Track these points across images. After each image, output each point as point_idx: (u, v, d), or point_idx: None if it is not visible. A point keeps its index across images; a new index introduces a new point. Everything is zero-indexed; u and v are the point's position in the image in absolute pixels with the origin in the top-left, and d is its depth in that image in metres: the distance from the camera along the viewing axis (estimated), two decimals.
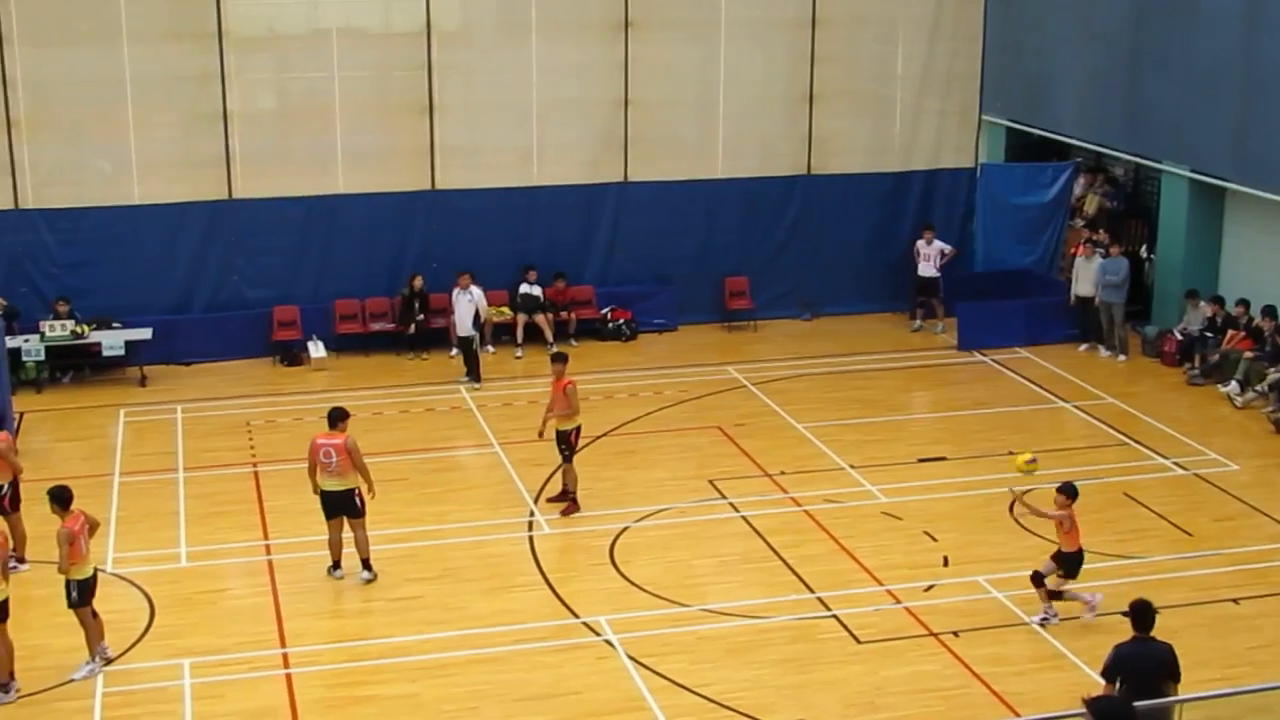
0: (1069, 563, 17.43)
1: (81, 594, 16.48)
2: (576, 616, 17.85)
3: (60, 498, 16.76)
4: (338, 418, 18.82)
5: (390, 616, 17.99)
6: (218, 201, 28.30)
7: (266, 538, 20.28)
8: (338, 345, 28.52)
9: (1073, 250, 29.38)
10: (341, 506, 18.67)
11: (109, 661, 16.71)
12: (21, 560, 18.94)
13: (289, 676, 16.45)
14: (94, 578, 16.69)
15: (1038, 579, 17.49)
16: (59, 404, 25.40)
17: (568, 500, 20.89)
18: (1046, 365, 27.52)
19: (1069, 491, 17.39)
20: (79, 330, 26.74)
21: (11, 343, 24.93)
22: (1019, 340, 28.69)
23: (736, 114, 30.20)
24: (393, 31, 29.20)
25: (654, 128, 29.81)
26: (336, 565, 18.96)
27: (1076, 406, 25.39)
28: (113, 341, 26.99)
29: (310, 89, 29.11)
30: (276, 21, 29.06)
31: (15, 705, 15.87)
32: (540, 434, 21.26)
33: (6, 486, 19.16)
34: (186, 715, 15.73)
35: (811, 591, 18.46)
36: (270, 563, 19.47)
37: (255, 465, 22.95)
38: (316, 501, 19.64)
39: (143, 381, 27.04)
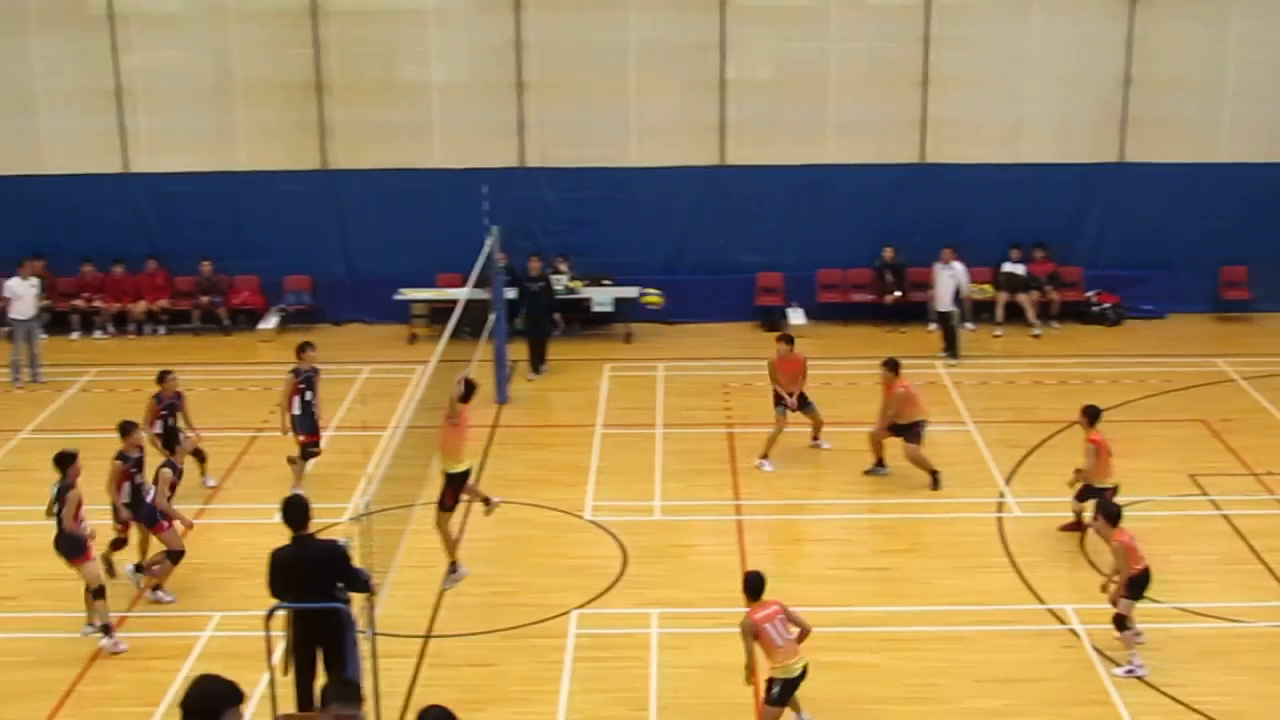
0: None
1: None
2: (1042, 603, 17.52)
3: None
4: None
5: (858, 586, 18.09)
6: (711, 167, 28.97)
7: (737, 498, 20.69)
8: (818, 313, 28.82)
9: None
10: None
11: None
12: None
13: None
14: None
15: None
16: (550, 355, 26.48)
17: None
18: None
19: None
20: (572, 286, 27.90)
21: (509, 294, 26.11)
22: None
23: (1244, 96, 28.82)
24: (892, 3, 29.15)
25: (1156, 108, 28.77)
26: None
27: None
28: (603, 298, 28.09)
29: (806, 59, 29.27)
30: None
31: (497, 636, 16.71)
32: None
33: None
34: (653, 663, 16.23)
35: None
36: (740, 523, 19.86)
37: (730, 426, 23.42)
38: (789, 465, 19.95)
39: (628, 338, 28.04)
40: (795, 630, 14.45)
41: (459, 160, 28.87)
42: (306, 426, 20.63)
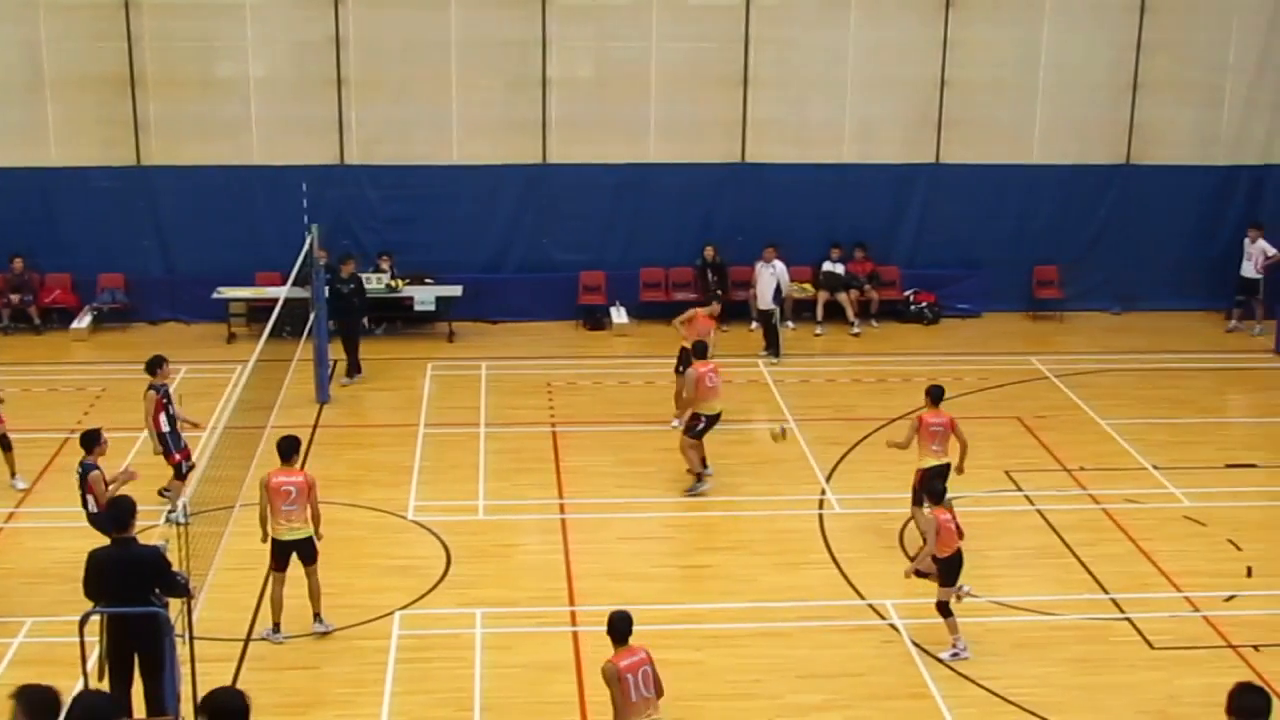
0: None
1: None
2: (863, 598, 17.76)
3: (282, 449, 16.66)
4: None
5: (680, 584, 18.20)
6: (533, 165, 28.90)
7: (561, 496, 20.69)
8: (640, 312, 28.91)
9: None
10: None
11: None
12: None
13: (576, 634, 16.73)
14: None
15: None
16: (372, 354, 26.16)
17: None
18: None
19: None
20: (393, 284, 27.67)
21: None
22: None
23: (1056, 99, 29.53)
24: (712, 4, 29.29)
25: (970, 110, 29.39)
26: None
27: None
28: (425, 297, 27.93)
29: (627, 58, 29.29)
30: None
31: (322, 639, 16.50)
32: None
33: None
34: (477, 664, 16.14)
35: (1106, 592, 18.02)
36: (564, 522, 19.85)
37: (554, 425, 23.40)
38: (613, 464, 19.86)
39: (451, 337, 27.89)
40: (652, 687, 12.85)
41: (278, 157, 28.41)
42: (177, 443, 19.66)
